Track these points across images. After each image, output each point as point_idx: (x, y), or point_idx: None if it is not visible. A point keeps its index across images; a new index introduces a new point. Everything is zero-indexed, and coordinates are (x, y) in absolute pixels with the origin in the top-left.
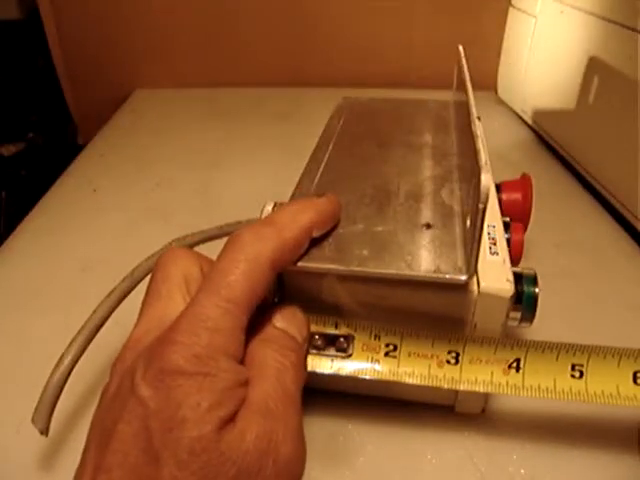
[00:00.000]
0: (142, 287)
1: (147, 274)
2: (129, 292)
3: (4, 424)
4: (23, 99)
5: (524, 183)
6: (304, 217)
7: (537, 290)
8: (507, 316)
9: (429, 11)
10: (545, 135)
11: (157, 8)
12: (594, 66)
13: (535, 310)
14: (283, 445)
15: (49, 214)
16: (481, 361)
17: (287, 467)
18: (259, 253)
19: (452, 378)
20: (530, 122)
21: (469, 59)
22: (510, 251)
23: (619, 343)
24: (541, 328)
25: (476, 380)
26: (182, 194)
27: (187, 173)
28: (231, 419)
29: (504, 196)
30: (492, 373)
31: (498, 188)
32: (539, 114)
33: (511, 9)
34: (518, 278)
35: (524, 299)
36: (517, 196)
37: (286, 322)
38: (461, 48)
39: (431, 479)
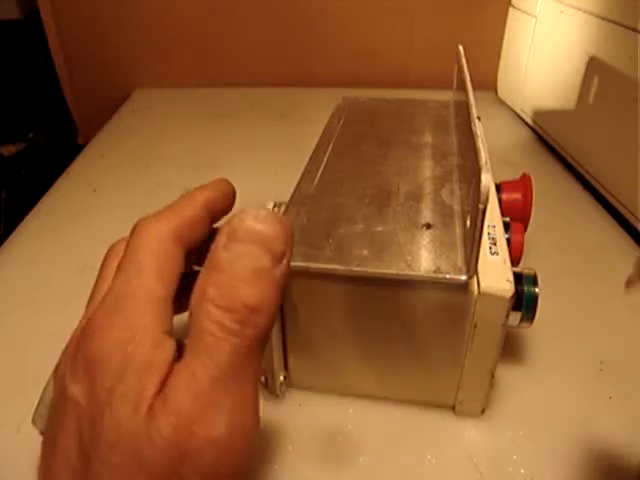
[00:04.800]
0: None
1: None
2: None
3: (4, 424)
4: (23, 99)
5: (524, 183)
6: (200, 195)
7: (537, 290)
8: (507, 316)
9: (429, 11)
10: (545, 135)
11: (157, 8)
12: (594, 66)
13: (535, 310)
14: (217, 429)
15: (49, 214)
16: None
17: (225, 453)
18: (160, 232)
19: None
20: (530, 122)
21: (469, 59)
22: (510, 251)
23: (619, 343)
24: (541, 328)
25: None
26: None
27: (187, 173)
28: (154, 404)
29: (504, 196)
30: None
31: (498, 188)
32: (539, 114)
33: (511, 9)
34: (518, 278)
35: (524, 299)
36: (517, 196)
37: (233, 254)
38: (461, 48)
39: (431, 479)
